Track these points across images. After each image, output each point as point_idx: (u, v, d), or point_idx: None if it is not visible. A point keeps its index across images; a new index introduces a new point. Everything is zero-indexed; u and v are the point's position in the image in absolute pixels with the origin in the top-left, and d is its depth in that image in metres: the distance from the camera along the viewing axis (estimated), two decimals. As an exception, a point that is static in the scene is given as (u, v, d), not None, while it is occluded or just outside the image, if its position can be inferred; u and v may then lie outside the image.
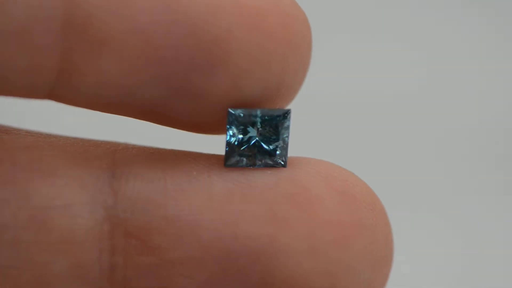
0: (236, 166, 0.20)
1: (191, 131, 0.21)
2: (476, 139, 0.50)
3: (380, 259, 0.20)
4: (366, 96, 0.50)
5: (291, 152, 0.20)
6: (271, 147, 0.20)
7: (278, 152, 0.20)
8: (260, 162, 0.20)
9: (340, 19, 0.51)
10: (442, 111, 0.50)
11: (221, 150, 0.20)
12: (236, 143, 0.20)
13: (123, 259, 0.19)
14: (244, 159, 0.20)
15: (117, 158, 0.20)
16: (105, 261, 0.19)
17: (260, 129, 0.20)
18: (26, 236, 0.19)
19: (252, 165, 0.20)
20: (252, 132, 0.20)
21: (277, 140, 0.20)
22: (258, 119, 0.20)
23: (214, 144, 0.22)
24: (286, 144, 0.20)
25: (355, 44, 0.51)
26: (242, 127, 0.20)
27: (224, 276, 0.19)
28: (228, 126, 0.20)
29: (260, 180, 0.20)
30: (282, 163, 0.20)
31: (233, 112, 0.20)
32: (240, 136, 0.20)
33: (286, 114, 0.20)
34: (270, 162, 0.20)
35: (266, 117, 0.20)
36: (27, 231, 0.19)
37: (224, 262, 0.19)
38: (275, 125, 0.20)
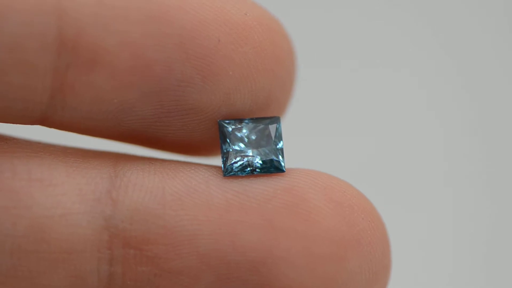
0: (235, 175, 0.20)
1: (184, 153, 0.21)
2: (471, 150, 0.50)
3: (379, 269, 0.20)
4: (365, 105, 0.50)
5: (289, 164, 0.20)
6: (266, 154, 0.20)
7: (274, 158, 0.20)
8: (258, 170, 0.20)
9: (332, 26, 0.51)
10: (437, 118, 0.50)
11: (219, 161, 0.20)
12: (231, 153, 0.20)
13: (121, 269, 0.19)
14: (241, 168, 0.20)
15: (117, 168, 0.20)
16: (104, 270, 0.19)
17: (253, 137, 0.20)
18: (25, 245, 0.19)
19: (250, 173, 0.20)
20: (245, 141, 0.20)
21: (271, 146, 0.20)
22: (250, 128, 0.20)
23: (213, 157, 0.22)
24: (281, 150, 0.20)
25: (351, 52, 0.51)
26: (234, 137, 0.20)
27: (222, 286, 0.19)
28: (221, 137, 0.20)
29: (259, 190, 0.20)
30: (280, 169, 0.20)
31: (223, 123, 0.20)
32: (235, 146, 0.20)
33: (276, 121, 0.20)
34: (268, 169, 0.20)
35: (257, 125, 0.20)
36: (26, 240, 0.19)
37: (222, 272, 0.19)
38: (267, 132, 0.20)
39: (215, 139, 0.20)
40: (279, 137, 0.20)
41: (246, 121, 0.20)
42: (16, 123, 0.19)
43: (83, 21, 0.18)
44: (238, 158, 0.20)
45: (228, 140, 0.20)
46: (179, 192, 0.19)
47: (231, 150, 0.20)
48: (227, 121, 0.20)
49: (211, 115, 0.20)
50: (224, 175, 0.20)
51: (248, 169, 0.20)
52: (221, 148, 0.20)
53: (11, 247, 0.19)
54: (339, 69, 0.50)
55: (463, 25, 0.52)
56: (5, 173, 0.19)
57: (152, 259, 0.19)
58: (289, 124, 0.21)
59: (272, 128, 0.20)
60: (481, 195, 0.49)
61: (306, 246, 0.19)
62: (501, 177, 0.50)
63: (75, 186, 0.19)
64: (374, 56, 0.51)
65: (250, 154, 0.20)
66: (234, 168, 0.20)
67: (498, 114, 0.51)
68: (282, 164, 0.20)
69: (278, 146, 0.20)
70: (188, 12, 0.19)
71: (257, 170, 0.20)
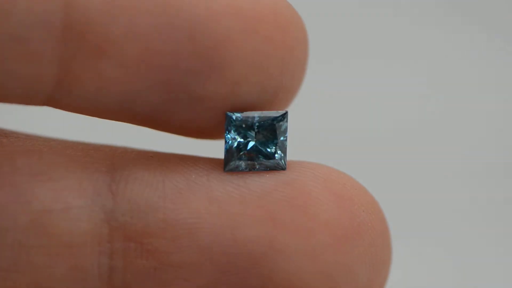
0: (235, 170, 0.20)
1: (190, 136, 0.21)
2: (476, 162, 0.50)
3: (379, 262, 0.20)
4: (367, 98, 0.50)
5: (289, 156, 0.20)
6: (269, 150, 0.20)
7: (276, 155, 0.20)
8: (259, 166, 0.20)
9: (340, 23, 0.51)
10: (442, 124, 0.50)
11: (220, 154, 0.20)
12: (235, 147, 0.20)
13: (122, 263, 0.19)
14: (243, 163, 0.20)
15: (116, 161, 0.20)
16: (104, 264, 0.19)
17: (258, 132, 0.20)
18: (25, 240, 0.19)
19: (251, 168, 0.20)
20: (250, 135, 0.20)
21: (275, 142, 0.20)
22: (256, 122, 0.20)
23: (214, 148, 0.22)
24: (284, 147, 0.20)
25: (354, 46, 0.51)
26: (240, 130, 0.20)
27: (223, 280, 0.19)
28: (226, 130, 0.20)
29: (259, 183, 0.20)
30: (282, 165, 0.20)
31: (230, 115, 0.20)
32: (239, 139, 0.20)
33: (283, 117, 0.20)
34: (270, 165, 0.20)
35: (264, 120, 0.20)
36: (27, 235, 0.19)
37: (223, 265, 0.19)
38: (272, 127, 0.20)
39: (222, 126, 0.20)
40: (284, 133, 0.20)
41: (253, 114, 0.20)
42: (22, 104, 0.19)
43: (91, 10, 0.18)
44: (240, 153, 0.20)
45: (232, 133, 0.20)
46: (179, 185, 0.19)
47: (234, 144, 0.20)
48: (233, 113, 0.20)
49: (219, 105, 0.20)
50: (225, 170, 0.20)
51: (249, 163, 0.20)
52: (225, 140, 0.20)
53: (12, 242, 0.19)
54: (343, 59, 0.50)
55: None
56: (4, 167, 0.19)
57: (152, 253, 0.19)
58: (291, 115, 0.21)
59: (278, 123, 0.20)
60: (483, 191, 0.49)
61: (306, 238, 0.19)
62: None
63: (75, 180, 0.19)
64: (380, 47, 0.51)
65: (253, 149, 0.20)
66: (235, 163, 0.20)
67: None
68: (283, 161, 0.20)
69: (282, 142, 0.20)
70: (197, 2, 0.19)
71: (258, 166, 0.20)
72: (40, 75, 0.18)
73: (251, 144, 0.20)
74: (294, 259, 0.19)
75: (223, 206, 0.19)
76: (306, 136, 0.45)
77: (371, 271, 0.20)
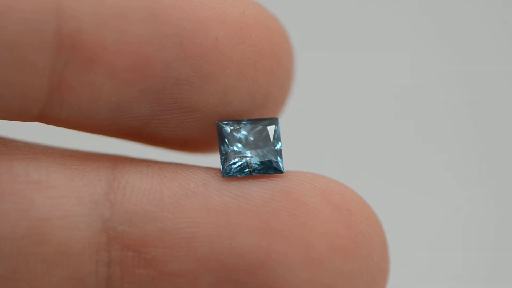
0: (233, 176, 0.20)
1: (182, 150, 0.21)
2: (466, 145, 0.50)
3: (377, 272, 0.20)
4: (364, 106, 0.50)
5: (287, 166, 0.20)
6: (264, 155, 0.20)
7: (272, 159, 0.20)
8: (256, 171, 0.20)
9: (327, 31, 0.51)
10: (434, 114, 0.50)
11: (218, 163, 0.20)
12: (229, 154, 0.20)
13: (120, 271, 0.19)
14: (240, 169, 0.20)
15: (115, 170, 0.20)
16: (102, 272, 0.19)
17: (251, 139, 0.20)
18: (24, 247, 0.19)
19: (249, 174, 0.20)
20: (244, 142, 0.20)
21: (269, 147, 0.20)
22: (248, 129, 0.20)
23: (211, 157, 0.22)
24: (279, 151, 0.20)
25: (348, 51, 0.51)
26: (233, 138, 0.20)
27: None
28: (219, 139, 0.20)
29: (257, 193, 0.20)
30: (279, 169, 0.20)
31: (222, 124, 0.20)
32: (233, 147, 0.20)
33: (274, 122, 0.20)
34: (266, 170, 0.20)
35: (255, 127, 0.20)
36: (25, 242, 0.19)
37: (220, 274, 0.19)
38: (265, 134, 0.20)
39: (212, 137, 0.20)
40: (277, 138, 0.20)
41: (244, 122, 0.20)
42: (14, 120, 0.19)
43: (82, 19, 0.18)
44: (236, 159, 0.20)
45: (226, 141, 0.20)
46: (177, 194, 0.19)
47: (229, 151, 0.20)
48: (225, 122, 0.20)
49: (209, 114, 0.20)
50: (223, 176, 0.20)
51: (247, 170, 0.20)
52: (220, 149, 0.20)
53: (10, 250, 0.19)
54: (338, 66, 0.50)
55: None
56: (3, 175, 0.19)
57: (150, 262, 0.19)
58: (287, 125, 0.21)
59: (270, 129, 0.20)
60: (482, 197, 0.49)
61: (304, 249, 0.19)
62: (503, 178, 0.50)
63: (74, 189, 0.19)
64: (374, 54, 0.51)
65: (249, 155, 0.20)
66: (232, 169, 0.20)
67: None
68: (281, 165, 0.20)
69: (276, 147, 0.20)
70: (186, 11, 0.19)
71: (255, 171, 0.20)
72: (33, 84, 0.18)
73: (245, 150, 0.20)
74: (292, 269, 0.19)
75: (220, 216, 0.19)
76: (302, 142, 0.45)
77: (369, 281, 0.20)
